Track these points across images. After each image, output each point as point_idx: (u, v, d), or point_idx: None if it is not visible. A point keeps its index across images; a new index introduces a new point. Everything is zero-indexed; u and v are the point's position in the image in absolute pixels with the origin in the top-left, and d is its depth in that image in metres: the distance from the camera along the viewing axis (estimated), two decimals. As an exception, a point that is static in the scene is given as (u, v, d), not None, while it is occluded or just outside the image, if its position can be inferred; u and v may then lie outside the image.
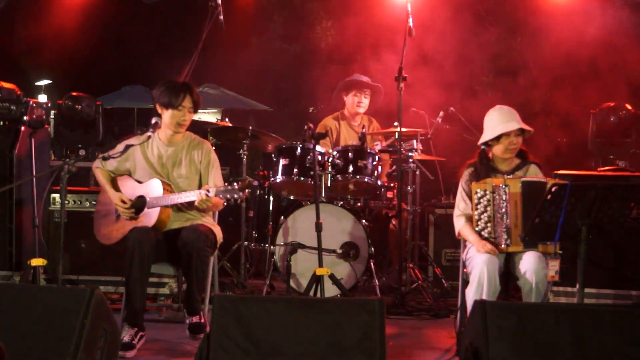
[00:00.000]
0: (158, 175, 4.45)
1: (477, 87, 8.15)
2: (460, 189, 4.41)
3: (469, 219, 4.29)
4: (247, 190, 4.10)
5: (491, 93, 8.07)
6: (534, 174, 4.29)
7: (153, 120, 4.37)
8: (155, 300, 5.26)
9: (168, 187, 4.40)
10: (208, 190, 4.16)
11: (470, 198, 4.26)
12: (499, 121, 4.28)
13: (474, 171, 4.36)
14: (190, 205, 4.32)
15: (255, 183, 6.00)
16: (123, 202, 4.40)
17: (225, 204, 4.29)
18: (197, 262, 4.21)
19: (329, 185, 5.62)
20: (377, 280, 5.52)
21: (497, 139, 4.28)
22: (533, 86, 8.21)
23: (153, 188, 4.38)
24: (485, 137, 4.32)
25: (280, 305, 3.39)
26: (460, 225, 4.33)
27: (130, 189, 4.47)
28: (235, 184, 4.10)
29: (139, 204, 4.39)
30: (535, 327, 3.26)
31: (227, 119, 6.34)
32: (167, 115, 4.41)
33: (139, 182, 4.49)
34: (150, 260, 4.23)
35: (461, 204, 4.36)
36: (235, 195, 4.09)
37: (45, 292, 3.48)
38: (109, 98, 9.15)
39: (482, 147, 4.39)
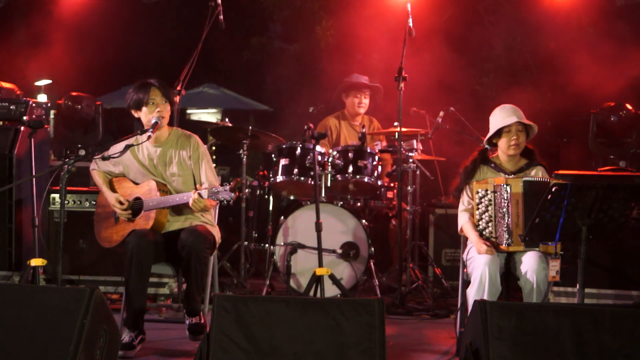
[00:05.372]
0: (152, 176, 4.45)
1: (477, 87, 8.14)
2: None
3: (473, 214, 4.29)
4: (238, 192, 4.11)
5: (491, 93, 8.06)
6: (538, 176, 4.29)
7: (153, 120, 4.35)
8: (155, 300, 5.26)
9: (164, 187, 4.39)
10: (200, 193, 4.16)
11: (472, 196, 4.27)
12: (500, 117, 4.31)
13: (468, 167, 4.38)
14: (186, 205, 4.31)
15: (255, 183, 6.00)
16: (120, 202, 4.40)
17: (218, 204, 4.30)
18: (196, 263, 4.20)
19: (329, 185, 5.62)
20: (377, 280, 5.52)
21: (499, 135, 4.30)
22: (534, 86, 8.20)
23: (149, 189, 4.38)
24: (489, 134, 4.34)
25: (280, 305, 3.38)
26: (463, 220, 4.33)
27: (127, 189, 4.47)
28: (226, 185, 4.10)
29: (136, 206, 4.39)
30: (536, 327, 3.26)
31: (227, 119, 6.34)
32: (143, 115, 4.41)
33: (136, 183, 4.49)
34: (149, 263, 4.22)
35: (465, 199, 4.36)
36: (227, 197, 4.09)
37: (45, 292, 3.47)
38: (109, 98, 9.15)
39: (487, 147, 4.40)
